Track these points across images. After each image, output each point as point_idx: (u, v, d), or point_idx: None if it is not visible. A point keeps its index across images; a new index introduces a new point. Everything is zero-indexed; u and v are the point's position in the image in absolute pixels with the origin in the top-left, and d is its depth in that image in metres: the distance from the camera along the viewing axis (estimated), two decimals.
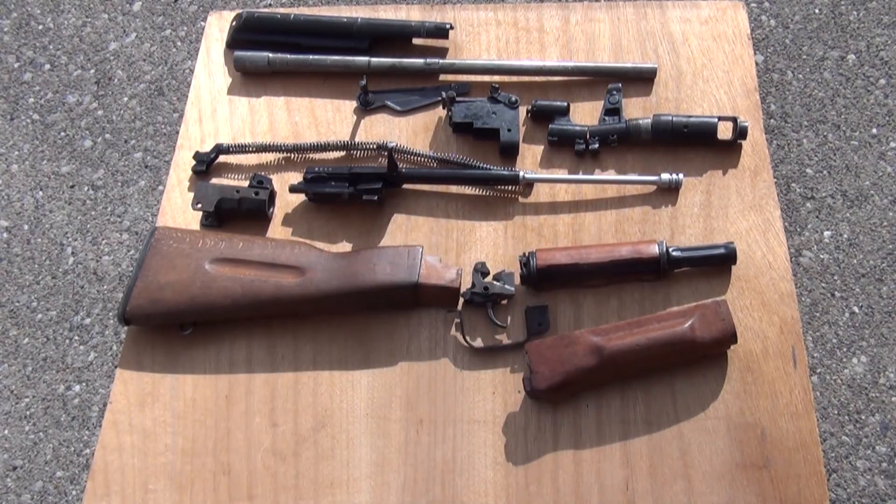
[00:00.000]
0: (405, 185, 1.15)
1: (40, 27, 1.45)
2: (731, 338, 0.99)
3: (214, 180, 1.18)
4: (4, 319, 1.21)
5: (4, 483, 1.10)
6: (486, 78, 1.23)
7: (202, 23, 1.39)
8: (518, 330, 1.06)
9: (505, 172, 1.14)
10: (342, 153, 1.20)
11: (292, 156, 1.20)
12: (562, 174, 1.16)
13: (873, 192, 1.19)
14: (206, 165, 1.18)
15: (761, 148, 1.16)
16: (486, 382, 1.03)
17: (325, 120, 1.24)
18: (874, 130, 1.23)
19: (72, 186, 1.29)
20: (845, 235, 1.16)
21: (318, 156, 1.20)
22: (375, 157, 1.19)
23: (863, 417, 1.06)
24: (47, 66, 1.41)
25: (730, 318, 0.99)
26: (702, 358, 1.01)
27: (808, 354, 1.08)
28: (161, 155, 1.32)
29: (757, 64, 1.26)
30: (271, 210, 1.16)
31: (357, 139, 1.20)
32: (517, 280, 1.07)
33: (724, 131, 1.15)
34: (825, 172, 1.21)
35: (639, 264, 1.05)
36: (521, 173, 1.13)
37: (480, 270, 1.06)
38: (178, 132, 1.25)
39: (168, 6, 1.46)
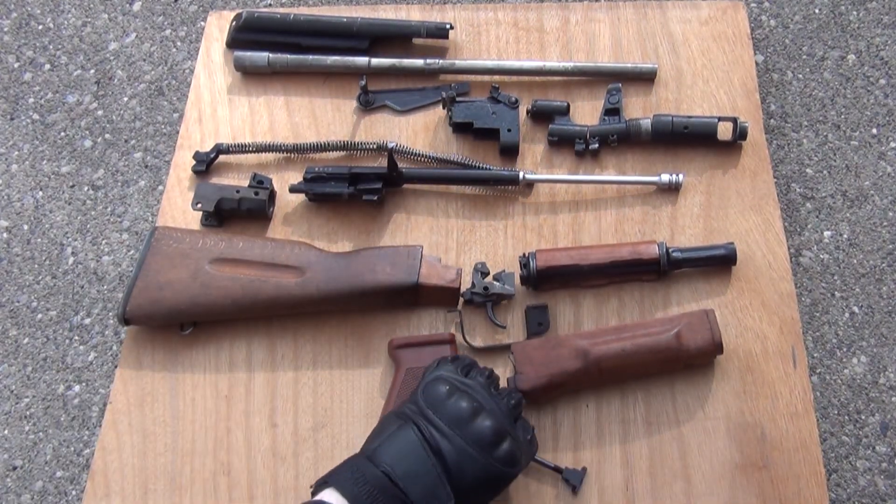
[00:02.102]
0: (405, 185, 1.15)
1: (40, 27, 1.45)
2: (717, 348, 0.98)
3: (214, 180, 1.18)
4: (4, 319, 1.21)
5: (4, 483, 1.10)
6: (486, 78, 1.23)
7: (202, 23, 1.39)
8: (518, 330, 1.06)
9: (505, 172, 1.14)
10: (342, 153, 1.20)
11: (292, 156, 1.20)
12: (562, 174, 1.16)
13: (873, 192, 1.19)
14: (206, 165, 1.18)
15: (761, 148, 1.16)
16: None
17: (325, 120, 1.24)
18: (874, 130, 1.23)
19: (72, 186, 1.29)
20: (845, 235, 1.16)
21: (318, 156, 1.20)
22: (375, 157, 1.19)
23: (863, 417, 1.06)
24: (47, 66, 1.41)
25: (717, 327, 0.98)
26: (687, 367, 1.01)
27: (808, 354, 1.08)
28: (161, 155, 1.32)
29: (757, 64, 1.26)
30: (271, 210, 1.16)
31: (357, 139, 1.20)
32: (517, 280, 1.07)
33: (724, 131, 1.15)
34: (825, 172, 1.21)
35: (639, 265, 1.05)
36: (521, 173, 1.13)
37: (480, 270, 1.06)
38: (178, 132, 1.25)
39: (168, 6, 1.46)
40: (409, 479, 0.77)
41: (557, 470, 0.96)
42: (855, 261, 1.15)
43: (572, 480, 0.96)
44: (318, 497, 0.77)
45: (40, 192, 1.30)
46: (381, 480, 0.77)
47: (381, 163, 1.14)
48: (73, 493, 1.10)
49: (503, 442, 0.82)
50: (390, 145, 1.17)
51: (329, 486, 0.78)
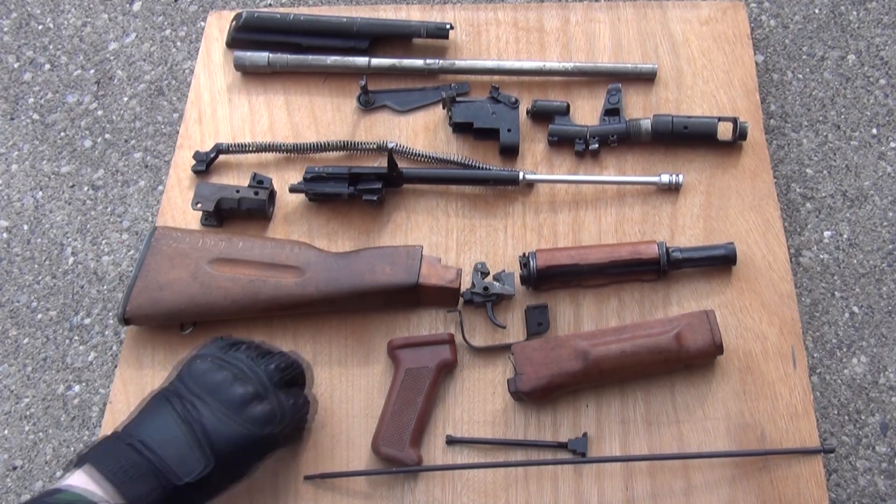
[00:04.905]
0: (405, 185, 1.15)
1: (40, 27, 1.45)
2: (717, 349, 0.98)
3: (214, 180, 1.18)
4: (4, 319, 1.21)
5: (4, 483, 1.10)
6: (486, 78, 1.23)
7: (202, 23, 1.39)
8: (518, 330, 1.06)
9: (505, 172, 1.14)
10: (342, 153, 1.20)
11: (292, 156, 1.20)
12: (562, 174, 1.16)
13: (873, 192, 1.19)
14: (205, 165, 1.18)
15: (761, 148, 1.16)
16: (486, 382, 1.03)
17: (325, 120, 1.24)
18: (874, 130, 1.23)
19: (72, 186, 1.29)
20: (845, 235, 1.16)
21: (318, 156, 1.20)
22: (375, 157, 1.19)
23: (863, 417, 1.06)
24: (47, 66, 1.41)
25: (717, 328, 0.98)
26: (687, 367, 1.01)
27: (808, 354, 1.08)
28: (161, 155, 1.32)
29: (757, 64, 1.26)
30: (271, 210, 1.16)
31: (357, 139, 1.20)
32: (517, 280, 1.07)
33: (724, 132, 1.15)
34: (825, 172, 1.21)
35: (639, 265, 1.05)
36: (521, 173, 1.13)
37: (480, 270, 1.06)
38: (178, 132, 1.25)
39: (168, 6, 1.46)
40: (163, 448, 0.82)
41: (562, 445, 0.98)
42: (855, 261, 1.15)
43: (579, 449, 0.97)
44: (70, 479, 0.79)
45: (40, 192, 1.30)
46: (133, 453, 0.81)
47: (381, 163, 1.14)
48: None
49: (257, 403, 0.87)
50: (390, 145, 1.17)
51: (86, 464, 0.80)
